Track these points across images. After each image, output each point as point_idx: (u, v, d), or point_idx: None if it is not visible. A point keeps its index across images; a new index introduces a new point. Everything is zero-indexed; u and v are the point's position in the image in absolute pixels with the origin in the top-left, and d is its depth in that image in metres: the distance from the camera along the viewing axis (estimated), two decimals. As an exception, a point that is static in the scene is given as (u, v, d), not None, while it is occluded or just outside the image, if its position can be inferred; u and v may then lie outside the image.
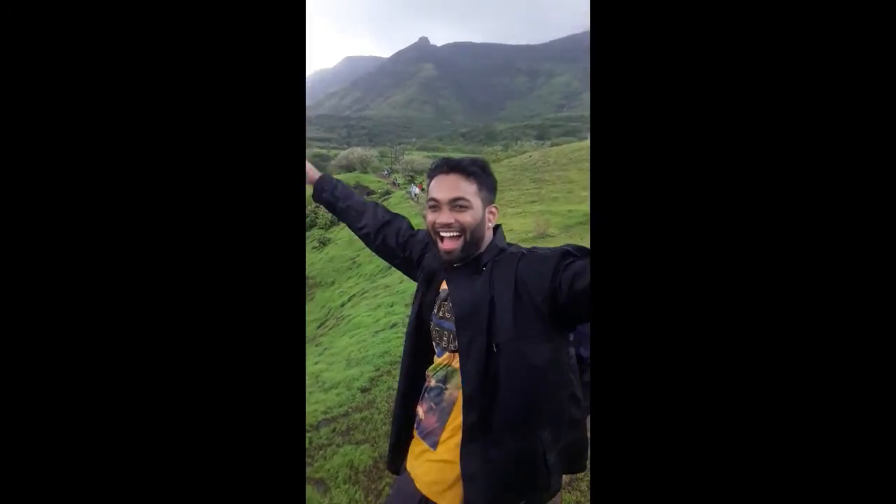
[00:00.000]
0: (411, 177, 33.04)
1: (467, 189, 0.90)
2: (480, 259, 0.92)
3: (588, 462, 1.24)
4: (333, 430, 2.50)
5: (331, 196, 1.18)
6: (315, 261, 16.10)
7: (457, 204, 0.89)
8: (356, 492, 1.95)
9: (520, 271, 0.84)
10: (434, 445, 0.93)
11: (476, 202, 0.90)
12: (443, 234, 0.90)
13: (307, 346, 5.64)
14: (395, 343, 3.99)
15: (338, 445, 2.34)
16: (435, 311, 0.97)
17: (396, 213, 1.17)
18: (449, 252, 0.90)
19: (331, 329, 7.11)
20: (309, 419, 2.61)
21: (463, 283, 0.91)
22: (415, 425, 1.00)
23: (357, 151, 52.45)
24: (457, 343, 0.89)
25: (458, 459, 0.86)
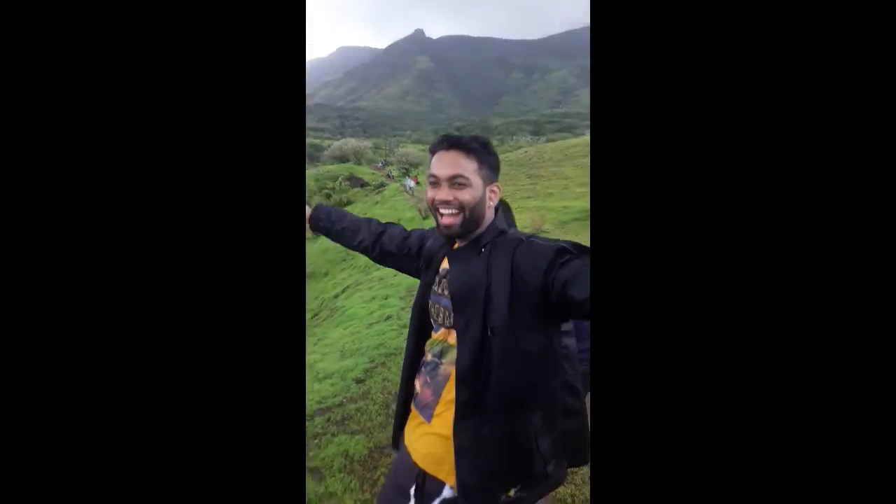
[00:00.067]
0: (406, 169, 32.90)
1: (467, 167, 0.89)
2: (480, 239, 0.92)
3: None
4: (328, 420, 2.50)
5: (327, 222, 1.23)
6: (309, 252, 16.02)
7: (456, 181, 0.89)
8: (351, 480, 1.96)
9: (516, 259, 0.84)
10: (429, 418, 0.94)
11: (476, 180, 0.90)
12: (442, 210, 0.90)
13: (300, 336, 5.61)
14: (390, 335, 3.99)
15: (332, 435, 2.34)
16: (434, 287, 0.98)
17: (389, 223, 1.22)
18: (448, 227, 0.90)
19: (324, 320, 7.09)
20: (304, 409, 2.61)
21: (462, 263, 0.92)
22: (412, 399, 1.01)
23: (351, 142, 52.12)
24: (452, 320, 0.90)
25: (451, 434, 0.87)
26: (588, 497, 1.74)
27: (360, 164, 40.25)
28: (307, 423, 2.47)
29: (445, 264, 0.97)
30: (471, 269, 0.89)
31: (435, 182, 0.91)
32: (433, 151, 0.93)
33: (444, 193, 0.89)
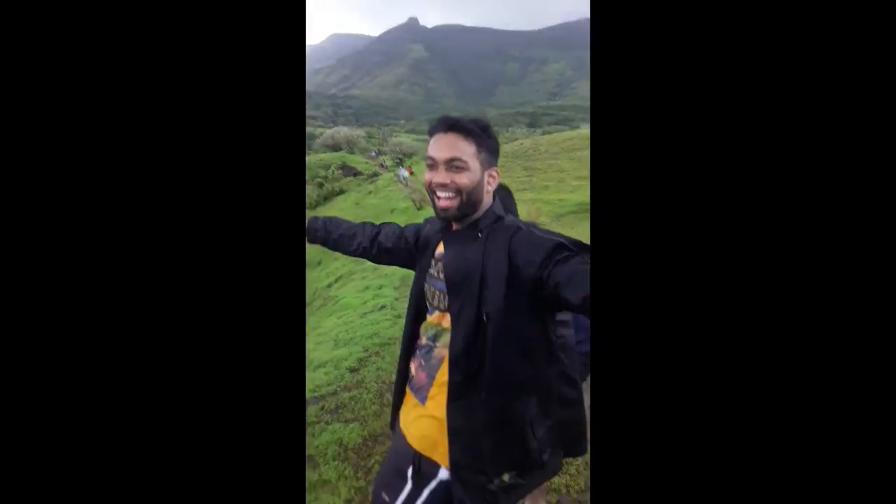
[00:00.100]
0: (400, 159, 32.69)
1: (465, 150, 0.88)
2: (478, 224, 0.91)
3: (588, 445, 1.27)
4: (322, 409, 2.51)
5: (323, 232, 1.22)
6: (300, 241, 15.90)
7: (453, 164, 0.87)
8: (346, 468, 1.97)
9: (513, 247, 0.83)
10: (423, 400, 0.94)
11: (474, 164, 0.88)
12: (439, 193, 0.89)
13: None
14: (384, 325, 3.99)
15: (326, 423, 2.35)
16: (430, 270, 0.98)
17: (383, 223, 1.22)
18: (445, 210, 0.89)
19: (318, 309, 7.07)
20: (297, 397, 2.61)
21: (458, 247, 0.91)
22: (408, 382, 1.02)
23: (343, 131, 51.55)
24: (447, 303, 0.90)
25: (443, 416, 0.88)
26: (583, 487, 1.77)
27: (352, 153, 39.86)
28: (301, 412, 2.47)
29: (441, 248, 0.97)
30: (467, 254, 0.89)
31: (433, 164, 0.89)
32: (432, 133, 0.92)
33: (441, 176, 0.88)
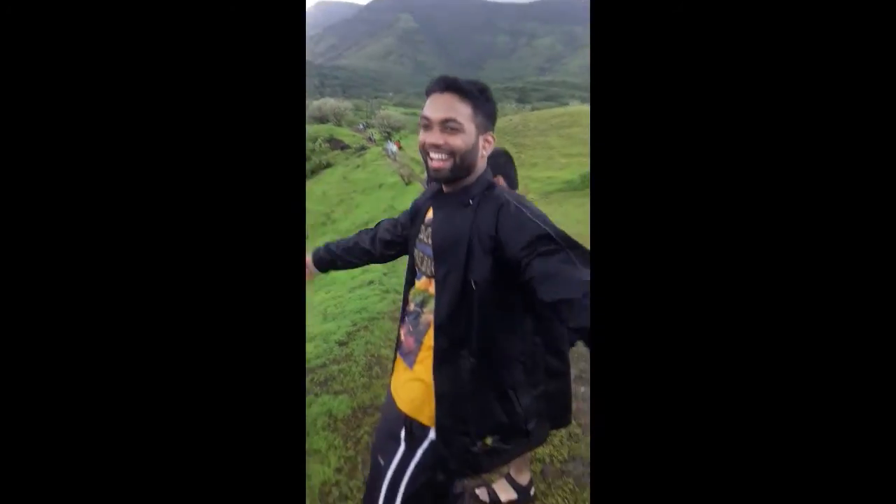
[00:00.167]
0: (388, 133, 32.11)
1: (461, 111, 0.86)
2: (468, 191, 0.90)
3: (572, 417, 1.31)
4: (311, 381, 2.53)
5: (327, 255, 1.23)
6: (286, 215, 15.72)
7: (448, 125, 0.85)
8: (335, 438, 2.00)
9: (500, 221, 0.83)
10: (412, 364, 0.96)
11: (469, 126, 0.86)
12: (432, 154, 0.88)
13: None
14: (373, 300, 4.00)
15: (316, 395, 2.37)
16: (420, 236, 0.99)
17: (378, 222, 1.23)
18: (437, 171, 0.88)
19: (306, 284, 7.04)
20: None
21: (447, 213, 0.91)
22: (398, 348, 1.03)
23: (330, 102, 50.24)
24: (433, 270, 0.91)
25: (430, 379, 0.90)
26: (566, 457, 1.83)
27: (339, 125, 39.06)
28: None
29: (431, 214, 0.97)
30: (456, 221, 0.88)
31: (427, 125, 0.87)
32: (429, 93, 0.90)
33: (434, 137, 0.86)
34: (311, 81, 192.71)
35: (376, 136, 31.79)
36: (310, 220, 13.86)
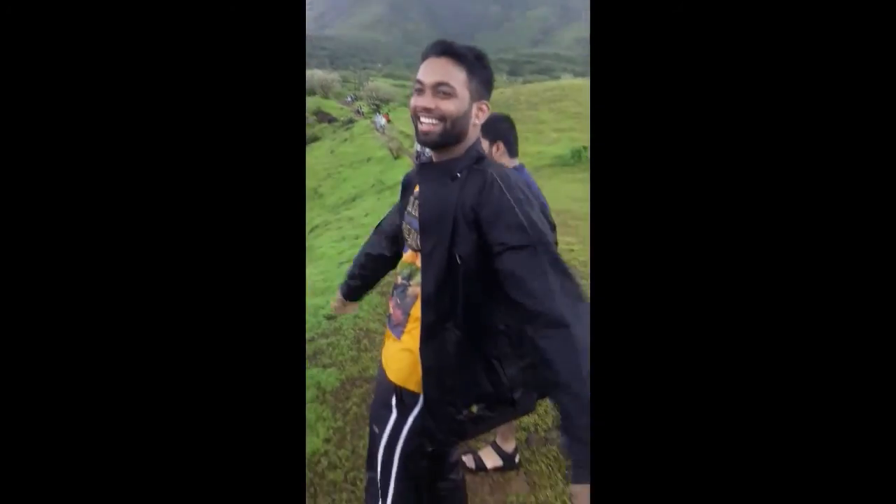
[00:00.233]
0: (377, 105, 31.50)
1: (455, 76, 0.84)
2: (457, 163, 0.89)
3: None
4: (300, 355, 2.55)
5: (353, 283, 1.24)
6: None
7: (440, 90, 0.84)
8: (324, 410, 2.03)
9: (482, 201, 0.82)
10: (399, 335, 0.98)
11: (463, 92, 0.85)
12: (422, 118, 0.86)
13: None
14: (361, 274, 4.00)
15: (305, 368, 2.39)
16: (409, 208, 0.98)
17: (377, 226, 1.22)
18: (426, 134, 0.86)
19: (292, 259, 7.01)
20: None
21: (434, 187, 0.90)
22: (387, 321, 1.05)
23: (317, 74, 48.94)
24: (419, 244, 0.90)
25: (417, 349, 0.91)
26: (550, 425, 1.88)
27: (327, 97, 38.20)
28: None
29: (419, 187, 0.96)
30: (442, 195, 0.87)
31: (420, 89, 0.86)
32: (424, 57, 0.88)
33: (426, 101, 0.85)
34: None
35: (365, 109, 31.18)
36: (297, 194, 13.65)
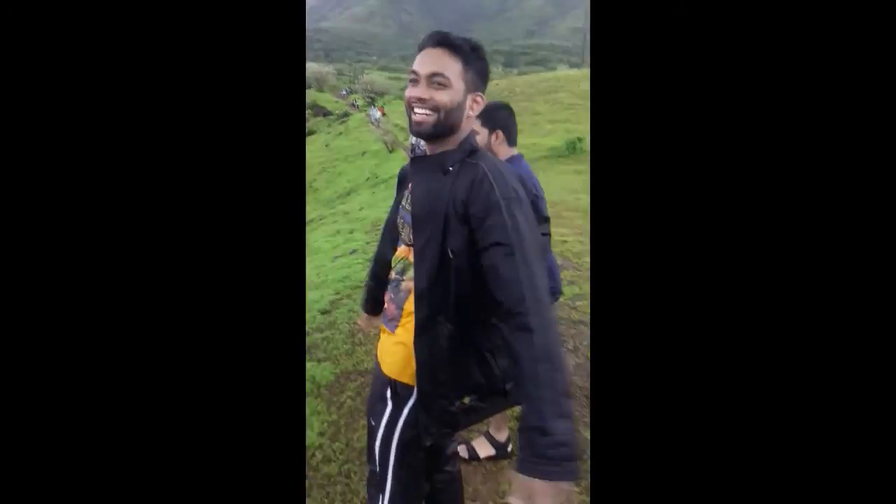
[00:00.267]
0: (372, 99, 31.27)
1: (451, 67, 0.84)
2: (449, 157, 0.89)
3: None
4: (295, 349, 2.56)
5: (371, 291, 1.22)
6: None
7: (435, 80, 0.84)
8: (318, 404, 2.04)
9: (472, 196, 0.82)
10: (393, 329, 0.99)
11: (457, 83, 0.85)
12: (416, 109, 0.86)
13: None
14: (356, 268, 4.00)
15: (299, 363, 2.40)
16: (404, 203, 0.99)
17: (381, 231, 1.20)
18: (419, 124, 0.86)
19: (288, 254, 7.00)
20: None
21: (426, 180, 0.90)
22: (382, 315, 1.06)
23: (312, 67, 48.47)
24: (411, 239, 0.91)
25: (411, 342, 0.92)
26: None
27: (322, 91, 37.91)
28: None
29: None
30: (434, 190, 0.88)
31: (415, 79, 0.86)
32: (421, 48, 0.88)
33: (420, 91, 0.85)
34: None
35: (359, 103, 30.96)
36: (293, 189, 13.58)
